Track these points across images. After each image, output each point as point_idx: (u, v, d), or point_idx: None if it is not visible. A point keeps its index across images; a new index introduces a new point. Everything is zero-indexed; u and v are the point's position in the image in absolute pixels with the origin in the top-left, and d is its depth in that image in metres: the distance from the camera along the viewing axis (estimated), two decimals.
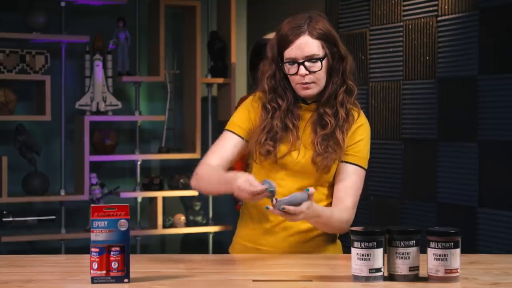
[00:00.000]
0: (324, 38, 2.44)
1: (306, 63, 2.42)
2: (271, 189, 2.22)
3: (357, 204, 2.49)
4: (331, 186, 2.51)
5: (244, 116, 2.52)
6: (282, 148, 2.46)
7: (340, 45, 2.48)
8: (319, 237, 2.51)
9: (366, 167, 2.51)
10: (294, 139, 2.46)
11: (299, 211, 2.23)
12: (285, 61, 2.45)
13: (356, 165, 2.48)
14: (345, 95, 2.49)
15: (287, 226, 2.48)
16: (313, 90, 2.46)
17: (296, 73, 2.43)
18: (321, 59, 2.43)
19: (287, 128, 2.47)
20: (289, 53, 2.43)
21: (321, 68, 2.43)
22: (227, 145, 2.49)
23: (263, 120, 2.48)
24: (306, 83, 2.43)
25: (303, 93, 2.46)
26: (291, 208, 2.21)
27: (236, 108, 2.63)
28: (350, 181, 2.47)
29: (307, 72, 2.42)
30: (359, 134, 2.50)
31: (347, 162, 2.48)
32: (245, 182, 2.23)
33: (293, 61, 2.43)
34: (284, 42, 2.44)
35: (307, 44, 2.41)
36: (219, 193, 2.47)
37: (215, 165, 2.45)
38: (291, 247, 2.49)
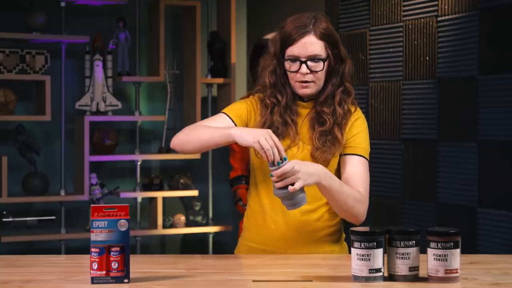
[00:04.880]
0: (327, 39, 2.45)
1: (309, 63, 2.44)
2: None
3: (368, 191, 2.49)
4: None
5: (242, 107, 2.54)
6: (283, 143, 2.46)
7: (341, 48, 2.50)
8: (325, 237, 2.53)
9: (368, 158, 2.52)
10: (294, 134, 2.48)
11: (290, 168, 2.21)
12: (286, 58, 2.46)
13: (359, 155, 2.49)
14: (343, 95, 2.51)
15: (294, 227, 2.49)
16: (312, 89, 2.48)
17: (297, 71, 2.45)
18: (323, 60, 2.44)
19: (286, 123, 2.48)
20: (292, 50, 2.44)
21: (322, 69, 2.45)
22: (220, 123, 2.47)
23: (263, 116, 2.50)
24: (306, 81, 2.45)
25: (301, 91, 2.48)
26: (278, 171, 2.22)
27: None
28: (356, 170, 2.47)
29: (308, 71, 2.44)
30: (357, 127, 2.52)
31: (349, 154, 2.49)
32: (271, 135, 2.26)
33: (295, 59, 2.44)
34: (288, 40, 2.45)
35: (312, 44, 2.43)
36: (207, 142, 2.38)
37: None
38: (298, 248, 2.49)
